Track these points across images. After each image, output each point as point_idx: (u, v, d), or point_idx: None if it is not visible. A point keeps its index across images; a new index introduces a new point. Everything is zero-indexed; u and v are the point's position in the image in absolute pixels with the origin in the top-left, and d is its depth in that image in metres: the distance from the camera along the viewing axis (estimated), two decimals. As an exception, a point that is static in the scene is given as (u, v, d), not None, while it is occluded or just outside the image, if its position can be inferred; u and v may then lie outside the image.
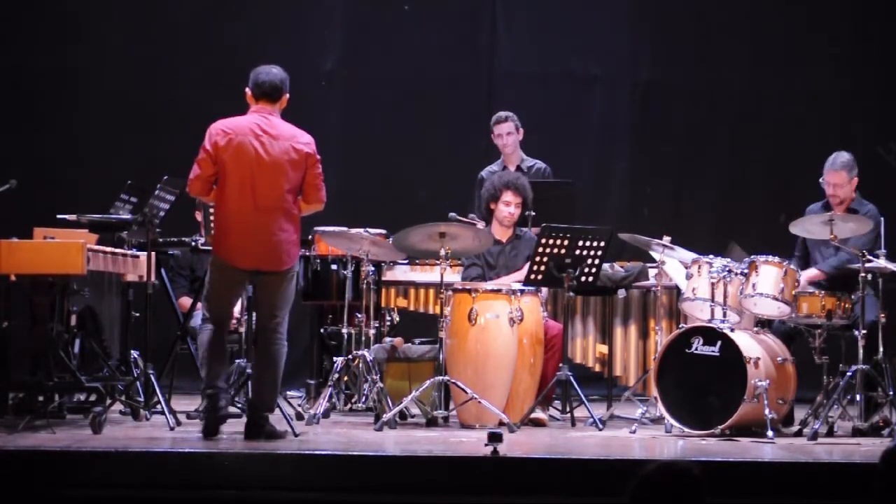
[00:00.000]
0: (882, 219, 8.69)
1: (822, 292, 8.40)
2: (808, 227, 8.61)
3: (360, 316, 9.02)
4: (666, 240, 8.72)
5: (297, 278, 7.79)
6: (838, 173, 8.81)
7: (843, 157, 8.84)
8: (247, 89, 7.74)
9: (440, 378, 8.50)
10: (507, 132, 10.08)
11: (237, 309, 9.02)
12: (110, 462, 6.79)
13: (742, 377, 8.03)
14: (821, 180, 8.87)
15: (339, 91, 11.87)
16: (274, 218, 7.53)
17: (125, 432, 7.95)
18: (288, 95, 7.75)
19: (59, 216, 8.59)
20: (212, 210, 7.97)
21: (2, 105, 11.42)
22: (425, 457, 7.07)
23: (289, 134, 7.65)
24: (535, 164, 10.16)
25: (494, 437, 6.78)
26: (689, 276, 8.53)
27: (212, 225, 8.06)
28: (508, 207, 9.01)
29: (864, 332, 8.21)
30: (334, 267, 9.50)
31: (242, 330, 8.52)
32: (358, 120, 11.86)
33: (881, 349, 8.26)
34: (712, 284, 8.33)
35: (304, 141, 7.66)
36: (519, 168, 10.08)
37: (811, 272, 8.77)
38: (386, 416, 8.30)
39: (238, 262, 7.58)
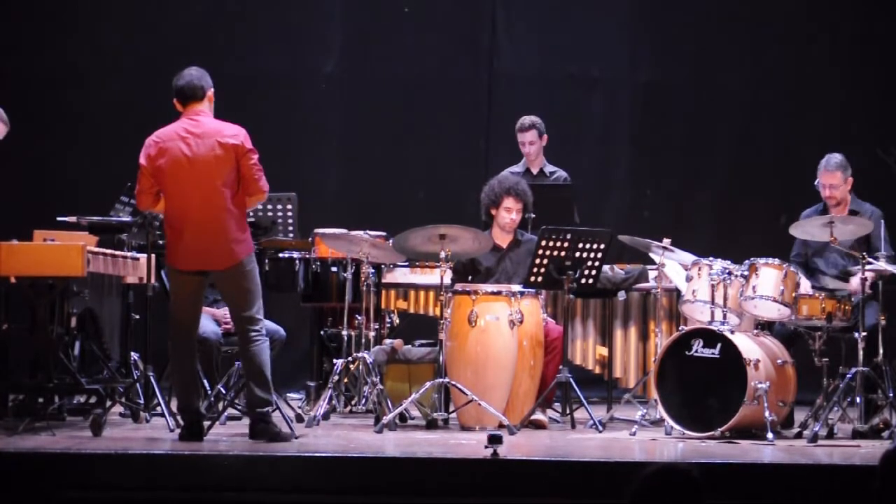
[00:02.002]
0: (882, 220, 8.69)
1: (822, 294, 8.40)
2: (808, 229, 8.61)
3: (359, 318, 9.03)
4: (666, 242, 8.72)
5: (256, 273, 7.65)
6: (833, 174, 8.83)
7: (835, 157, 8.85)
8: (174, 100, 7.71)
9: (440, 380, 8.50)
10: (529, 141, 10.15)
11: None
12: (110, 464, 6.80)
13: (742, 379, 8.03)
14: (816, 183, 8.89)
15: (339, 92, 11.86)
16: (212, 217, 7.52)
17: (125, 434, 7.96)
18: (213, 89, 7.71)
19: (58, 218, 8.59)
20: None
21: (1, 106, 11.44)
22: (425, 459, 7.06)
23: (214, 130, 7.60)
24: (557, 172, 10.21)
25: (494, 439, 6.78)
26: (689, 279, 8.53)
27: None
28: (510, 214, 9.01)
29: (864, 334, 8.21)
30: (334, 269, 9.50)
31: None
32: (358, 121, 11.86)
33: (881, 351, 8.26)
34: (712, 287, 8.33)
35: (230, 134, 7.59)
36: (541, 173, 10.13)
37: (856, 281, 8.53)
38: (386, 419, 8.30)
39: (183, 265, 7.60)
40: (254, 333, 7.60)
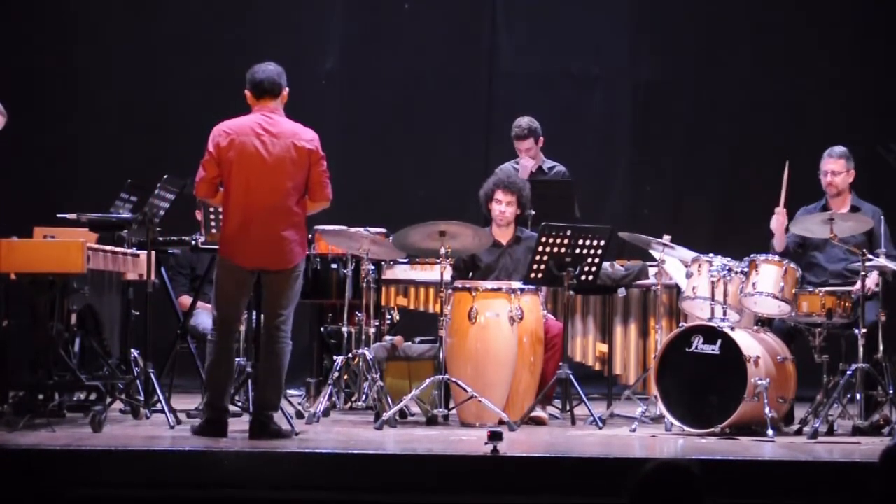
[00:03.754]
0: (882, 218, 8.70)
1: (822, 291, 8.40)
2: (808, 226, 8.62)
3: (360, 315, 9.02)
4: (666, 238, 8.72)
5: (302, 277, 7.73)
6: (836, 161, 8.88)
7: (840, 147, 8.95)
8: (246, 91, 7.71)
9: (440, 377, 8.50)
10: (526, 148, 10.05)
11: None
12: (110, 461, 6.79)
13: (742, 376, 8.04)
14: (818, 171, 8.91)
15: (339, 91, 11.87)
16: (277, 217, 7.51)
17: (125, 431, 7.95)
18: (288, 89, 7.72)
19: (59, 215, 8.59)
20: (211, 210, 7.97)
21: (2, 104, 11.44)
22: (425, 455, 7.08)
23: (290, 131, 7.60)
24: (556, 166, 10.19)
25: (494, 436, 6.79)
26: (689, 275, 8.53)
27: (211, 225, 8.08)
28: (500, 206, 9.01)
29: (864, 330, 8.22)
30: (334, 266, 9.50)
31: (243, 329, 8.51)
32: (358, 119, 11.86)
33: (881, 348, 8.26)
34: (712, 283, 8.33)
35: (307, 138, 7.61)
36: (540, 170, 10.11)
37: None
38: (386, 415, 8.30)
39: (242, 262, 7.57)
40: (283, 334, 7.60)
